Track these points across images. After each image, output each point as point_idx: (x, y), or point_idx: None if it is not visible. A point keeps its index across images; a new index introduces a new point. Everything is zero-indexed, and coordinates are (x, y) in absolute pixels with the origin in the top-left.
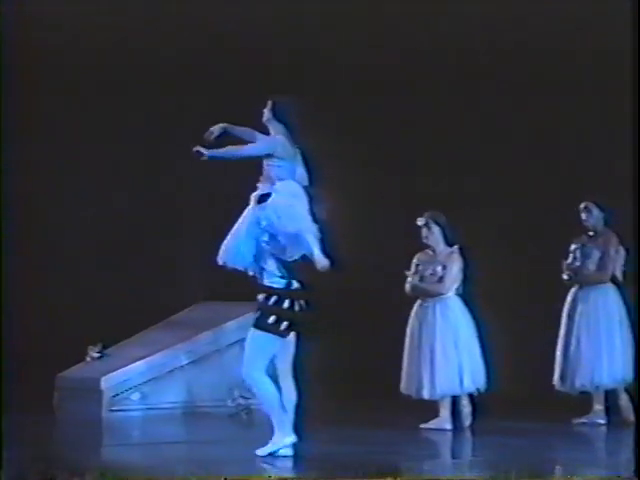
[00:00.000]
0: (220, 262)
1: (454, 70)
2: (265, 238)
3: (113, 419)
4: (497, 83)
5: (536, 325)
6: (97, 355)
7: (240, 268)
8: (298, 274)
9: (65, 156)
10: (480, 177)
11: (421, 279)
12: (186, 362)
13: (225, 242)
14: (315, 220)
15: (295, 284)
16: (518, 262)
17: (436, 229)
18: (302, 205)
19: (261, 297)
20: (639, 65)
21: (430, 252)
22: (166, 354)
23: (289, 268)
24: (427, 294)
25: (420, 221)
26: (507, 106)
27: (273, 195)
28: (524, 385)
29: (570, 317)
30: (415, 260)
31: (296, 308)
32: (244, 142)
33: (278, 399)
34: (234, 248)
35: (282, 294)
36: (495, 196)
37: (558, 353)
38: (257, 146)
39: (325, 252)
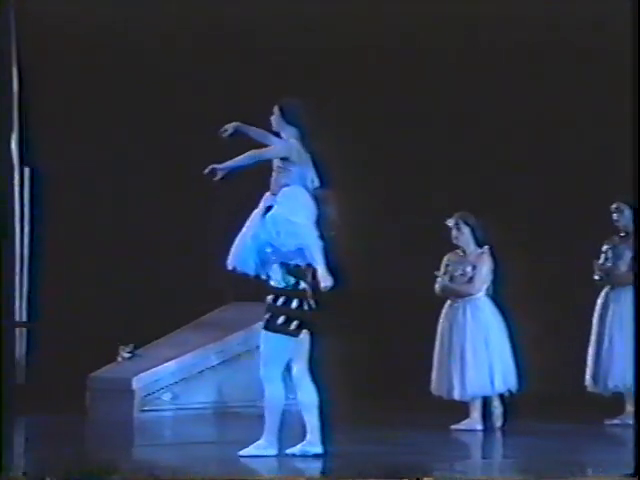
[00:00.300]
0: (229, 267)
1: (454, 69)
2: (269, 249)
3: (144, 419)
4: (497, 83)
5: (568, 326)
6: (128, 355)
7: (250, 273)
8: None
9: (83, 154)
10: (482, 177)
11: (451, 279)
12: (217, 362)
13: (233, 246)
14: (320, 226)
15: (303, 284)
16: (548, 262)
17: (466, 230)
18: (305, 216)
19: (270, 298)
20: (639, 65)
21: (460, 252)
22: (197, 354)
23: (295, 271)
24: (457, 294)
25: (450, 222)
26: (507, 106)
27: (274, 208)
28: (556, 386)
29: (602, 318)
30: (445, 260)
31: (305, 307)
32: (255, 143)
33: (281, 408)
34: (241, 253)
35: (290, 294)
36: (506, 196)
37: (590, 354)
38: (275, 149)
39: (329, 265)
